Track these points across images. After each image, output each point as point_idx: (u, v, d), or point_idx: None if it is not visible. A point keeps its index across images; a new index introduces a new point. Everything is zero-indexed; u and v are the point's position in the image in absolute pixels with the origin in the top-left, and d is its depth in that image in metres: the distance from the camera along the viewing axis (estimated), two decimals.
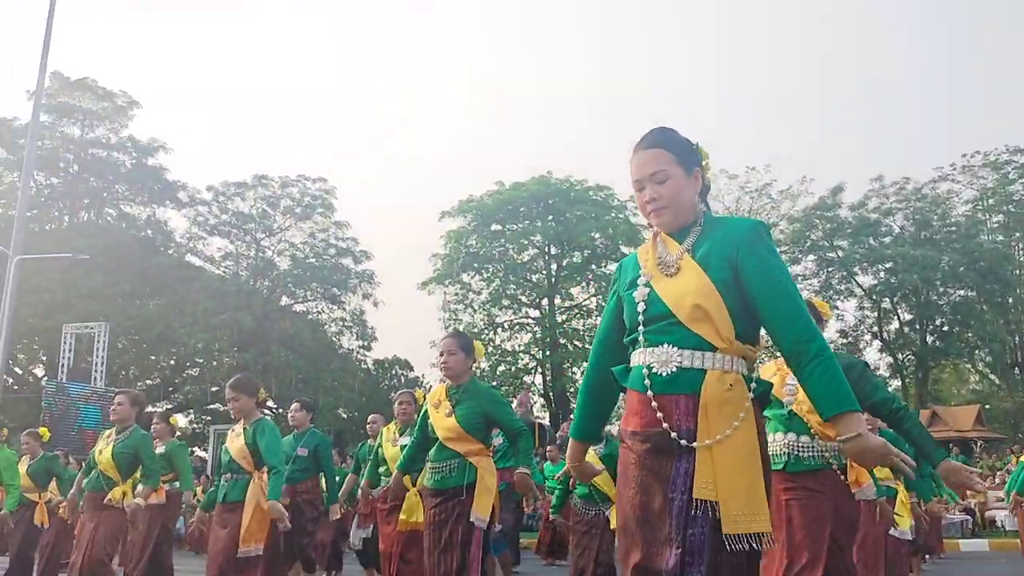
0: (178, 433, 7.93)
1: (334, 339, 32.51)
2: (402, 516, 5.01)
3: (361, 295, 31.82)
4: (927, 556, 10.31)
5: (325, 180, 31.17)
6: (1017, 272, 28.72)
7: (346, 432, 27.08)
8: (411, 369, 33.99)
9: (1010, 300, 28.64)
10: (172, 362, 30.26)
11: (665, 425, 1.91)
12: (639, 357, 2.02)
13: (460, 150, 59.13)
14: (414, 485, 5.29)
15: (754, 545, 1.83)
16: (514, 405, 8.10)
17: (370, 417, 7.25)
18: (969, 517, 15.97)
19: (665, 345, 1.97)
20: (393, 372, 34.25)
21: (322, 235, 31.58)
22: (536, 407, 28.24)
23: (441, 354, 4.14)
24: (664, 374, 1.95)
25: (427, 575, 3.90)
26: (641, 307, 2.03)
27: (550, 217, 30.23)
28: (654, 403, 1.94)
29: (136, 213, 30.57)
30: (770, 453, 3.48)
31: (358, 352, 32.52)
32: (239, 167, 64.36)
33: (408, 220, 59.04)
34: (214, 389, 27.93)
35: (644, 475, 1.93)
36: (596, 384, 2.25)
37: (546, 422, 24.14)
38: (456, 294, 31.12)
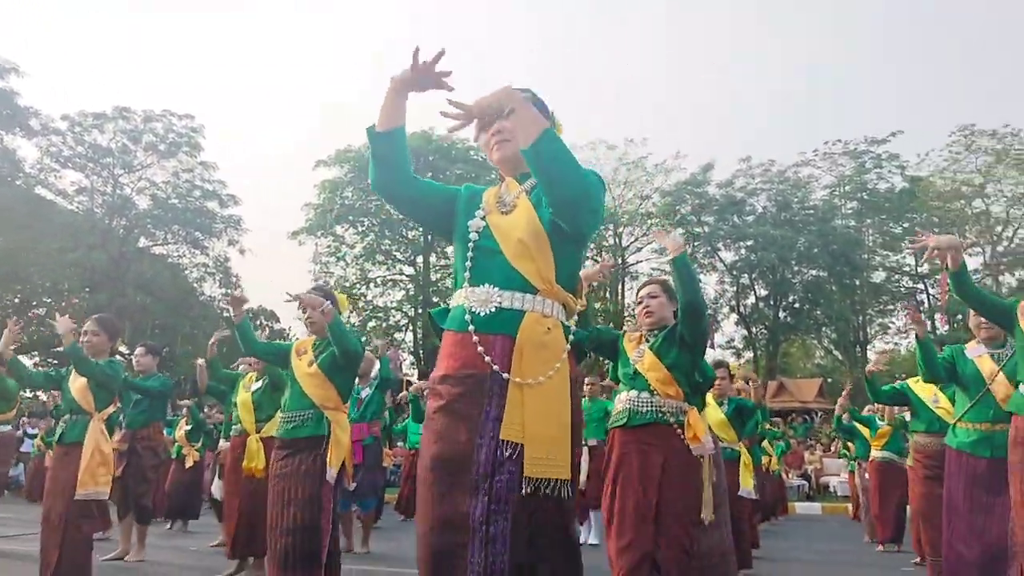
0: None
1: (195, 285, 31.18)
2: (244, 463, 4.93)
3: (227, 241, 30.57)
4: (770, 517, 10.96)
5: (192, 117, 29.54)
6: (866, 256, 30.72)
7: None
8: (277, 320, 33.06)
9: (857, 282, 30.61)
10: (16, 300, 28.18)
11: (488, 359, 1.87)
12: (459, 297, 2.00)
13: (340, 98, 57.47)
14: (258, 432, 5.27)
15: (562, 493, 1.82)
16: None
17: (241, 365, 7.01)
18: (805, 482, 17.10)
19: (487, 285, 1.95)
20: (258, 323, 33.22)
21: (187, 175, 30.00)
22: (405, 364, 28.14)
23: (304, 308, 4.06)
24: (483, 313, 1.93)
25: (270, 527, 3.76)
26: (473, 236, 2.03)
27: (429, 174, 29.86)
28: (475, 340, 1.90)
29: None
30: (616, 411, 3.62)
31: (221, 300, 31.34)
32: (99, 98, 60.04)
33: (282, 167, 57.18)
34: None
35: (450, 420, 1.88)
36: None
37: (415, 379, 24.07)
38: (328, 246, 30.48)
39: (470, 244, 2.02)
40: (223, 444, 6.80)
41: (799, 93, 54.41)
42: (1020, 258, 29.32)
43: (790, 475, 16.29)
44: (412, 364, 29.76)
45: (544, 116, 2.12)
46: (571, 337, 1.98)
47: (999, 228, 30.37)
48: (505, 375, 1.85)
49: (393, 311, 30.60)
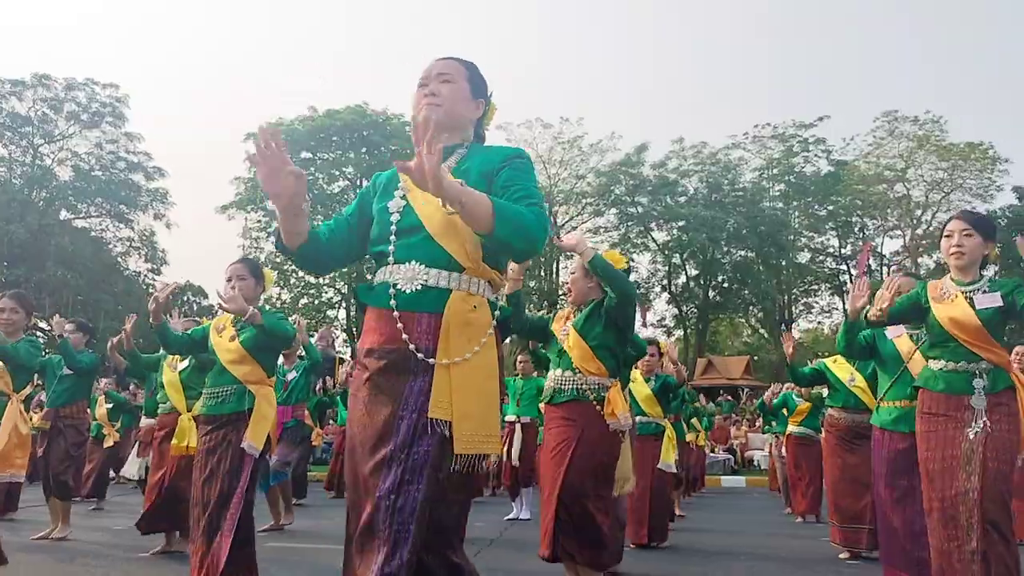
0: None
1: (119, 260, 30.30)
2: (174, 441, 4.88)
3: (152, 215, 29.76)
4: (691, 491, 11.28)
5: (117, 87, 28.54)
6: (792, 238, 31.55)
7: None
8: (205, 296, 32.36)
9: (783, 263, 31.45)
10: None
11: (405, 337, 1.88)
12: (384, 274, 1.99)
13: (271, 71, 56.15)
14: (189, 411, 5.18)
15: (478, 466, 1.87)
16: (315, 339, 7.91)
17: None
18: (731, 456, 17.60)
19: (412, 262, 1.94)
20: (185, 299, 32.45)
21: (110, 146, 29.03)
22: (338, 342, 27.86)
23: (229, 279, 3.97)
24: (408, 291, 1.92)
25: (193, 502, 3.75)
26: (395, 217, 2.01)
27: (364, 149, 29.54)
28: (398, 319, 1.90)
29: None
30: (545, 388, 3.76)
31: (146, 275, 30.51)
32: (17, 64, 57.43)
33: (210, 139, 55.70)
34: None
35: (374, 394, 1.90)
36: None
37: (347, 357, 23.86)
38: (259, 221, 29.88)
39: (392, 225, 2.00)
40: (146, 422, 6.67)
41: (731, 76, 55.31)
42: (938, 241, 30.52)
43: (716, 450, 16.76)
44: (345, 342, 29.50)
45: (483, 91, 2.16)
46: (497, 313, 2.00)
47: (919, 212, 31.53)
48: (431, 360, 1.86)
49: (325, 288, 30.22)
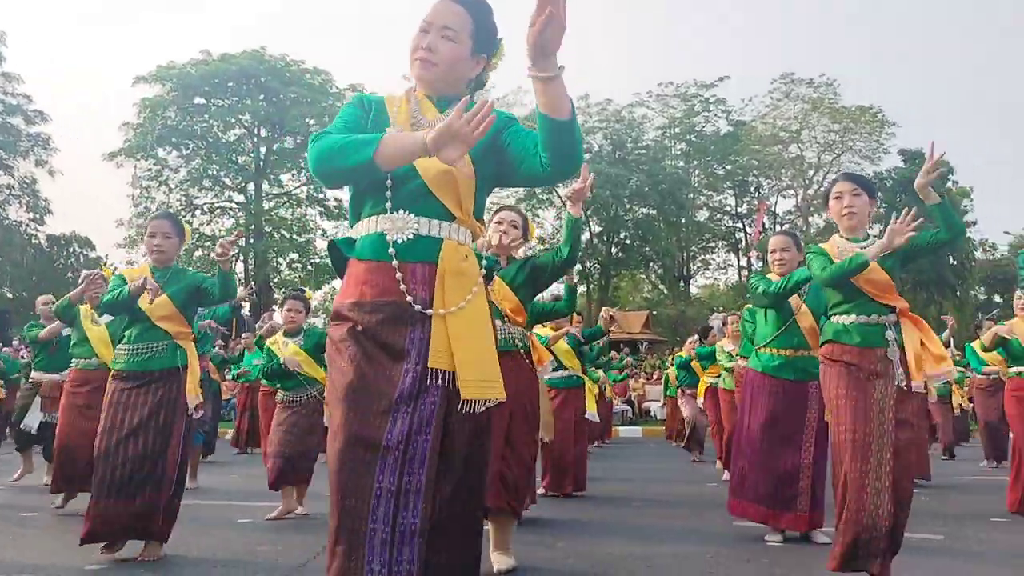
0: None
1: None
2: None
3: (33, 161, 28.02)
4: (597, 440, 11.58)
5: None
6: (691, 196, 32.35)
7: (11, 313, 24.22)
8: (93, 248, 30.89)
9: (683, 221, 32.25)
10: None
11: (403, 288, 1.84)
12: (370, 224, 1.91)
13: (162, 10, 53.22)
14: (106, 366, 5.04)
15: (488, 415, 1.86)
16: None
17: (41, 299, 6.82)
18: (629, 408, 18.12)
19: (402, 211, 1.88)
20: (71, 250, 30.91)
21: None
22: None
23: (153, 235, 3.96)
24: (401, 240, 1.87)
25: (102, 455, 3.66)
26: None
27: (261, 96, 28.50)
28: (397, 270, 1.85)
29: None
30: None
31: (28, 225, 28.82)
32: None
33: (96, 82, 52.66)
34: None
35: (369, 346, 1.83)
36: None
37: (246, 312, 23.26)
38: (149, 170, 28.61)
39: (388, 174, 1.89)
40: (48, 377, 6.37)
41: (638, 34, 55.72)
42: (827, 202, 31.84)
43: (616, 401, 17.22)
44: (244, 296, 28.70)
45: (487, 45, 2.02)
46: (484, 263, 1.99)
47: (811, 172, 32.79)
48: (428, 311, 1.83)
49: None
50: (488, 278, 2.10)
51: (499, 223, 3.83)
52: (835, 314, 3.33)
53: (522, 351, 3.68)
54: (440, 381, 1.80)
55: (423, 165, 1.88)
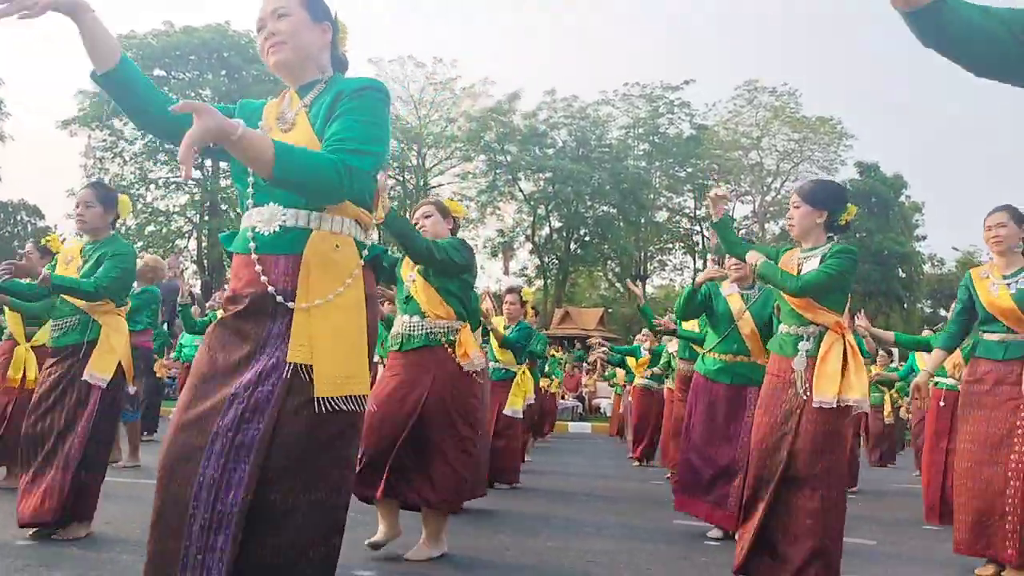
0: None
1: None
2: (9, 372, 4.74)
3: None
4: (539, 436, 11.62)
5: None
6: (652, 197, 32.59)
7: None
8: (42, 217, 30.17)
9: (643, 221, 32.45)
10: None
11: (264, 280, 1.83)
12: (246, 220, 1.94)
13: None
14: (28, 340, 5.06)
15: (353, 407, 1.83)
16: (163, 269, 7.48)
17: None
18: (580, 403, 18.22)
19: (271, 204, 1.87)
20: (19, 218, 30.13)
21: None
22: (188, 273, 26.66)
23: (77, 205, 3.81)
24: (267, 233, 1.86)
25: (26, 434, 3.64)
26: None
27: (223, 72, 28.04)
28: (256, 263, 1.85)
29: None
30: (392, 334, 3.71)
31: None
32: None
33: (52, 47, 51.22)
34: None
35: (228, 335, 1.85)
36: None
37: (197, 289, 22.89)
38: (104, 140, 27.94)
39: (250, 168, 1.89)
40: None
41: (603, 32, 55.88)
42: (785, 208, 32.32)
43: (566, 397, 17.30)
44: (195, 273, 28.25)
45: (324, 13, 2.01)
46: (365, 253, 1.94)
47: (769, 179, 33.24)
48: (290, 304, 1.81)
49: (176, 216, 28.74)
50: (378, 270, 2.05)
51: (415, 223, 3.81)
52: (779, 322, 3.44)
53: (445, 344, 3.61)
54: (288, 374, 1.77)
55: None
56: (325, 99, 1.93)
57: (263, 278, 1.83)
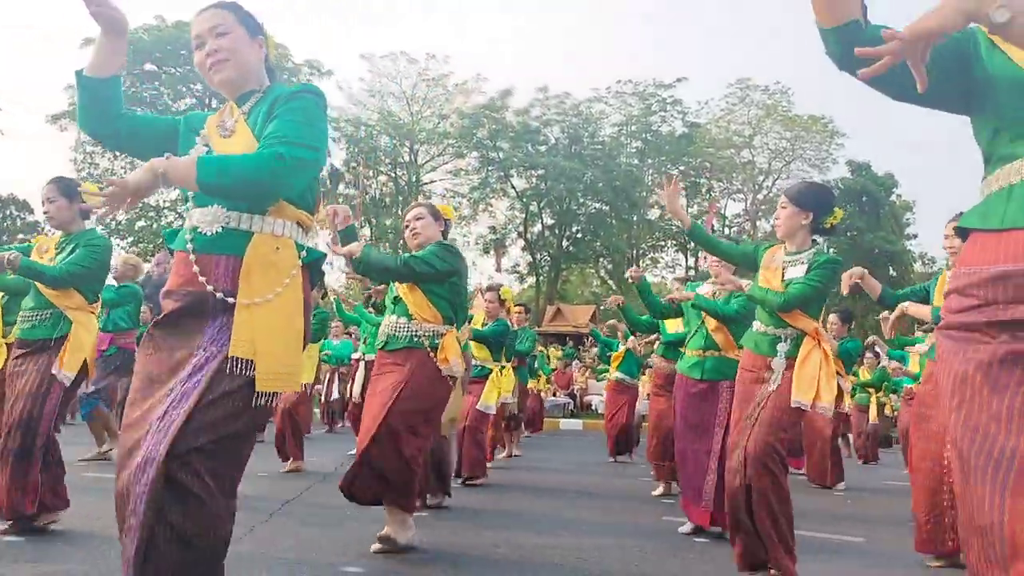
0: None
1: None
2: None
3: None
4: (528, 431, 11.64)
5: None
6: (644, 194, 32.59)
7: None
8: (31, 212, 29.98)
9: (635, 218, 32.48)
10: None
11: (202, 279, 1.90)
12: (188, 219, 2.00)
13: None
14: (5, 337, 4.90)
15: (260, 401, 1.89)
16: (152, 264, 7.49)
17: None
18: (571, 400, 18.22)
19: (214, 205, 1.94)
20: (7, 212, 29.95)
21: None
22: None
23: (43, 203, 3.84)
24: (208, 234, 1.93)
25: None
26: None
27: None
28: (194, 263, 1.91)
29: None
30: (380, 333, 3.78)
31: None
32: None
33: (44, 42, 50.93)
34: None
35: (168, 334, 1.92)
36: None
37: None
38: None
39: None
40: None
41: (599, 30, 55.87)
42: (776, 206, 32.47)
43: (558, 394, 17.31)
44: None
45: (257, 28, 2.13)
46: (303, 254, 2.01)
47: (761, 178, 33.31)
48: (231, 299, 1.88)
49: (166, 211, 28.61)
50: (315, 273, 2.14)
51: (406, 226, 3.88)
52: (756, 319, 3.46)
53: (428, 347, 3.65)
54: (219, 365, 1.83)
55: None
56: (262, 107, 2.03)
57: (201, 278, 1.90)
